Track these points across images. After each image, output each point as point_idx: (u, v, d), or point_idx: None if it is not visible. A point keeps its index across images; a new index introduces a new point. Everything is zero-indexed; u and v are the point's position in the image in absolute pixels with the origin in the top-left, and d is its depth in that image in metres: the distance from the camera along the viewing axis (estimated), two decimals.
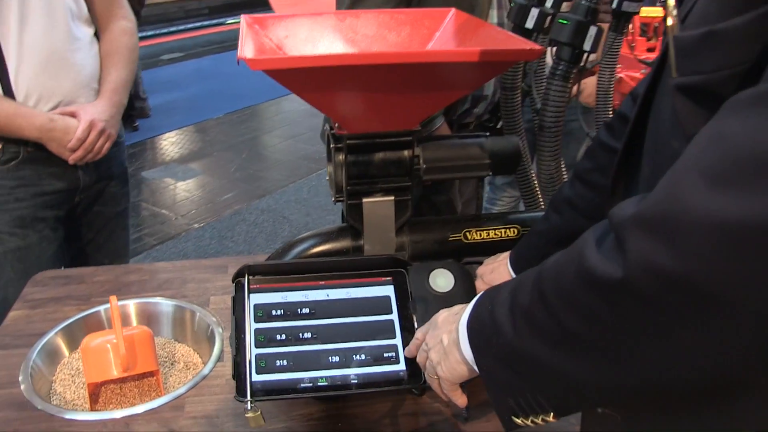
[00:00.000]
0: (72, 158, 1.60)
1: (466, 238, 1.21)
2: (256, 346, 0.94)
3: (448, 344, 0.79)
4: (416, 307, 0.99)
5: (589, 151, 0.98)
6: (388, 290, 1.00)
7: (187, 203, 3.99)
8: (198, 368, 1.30)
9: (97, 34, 1.73)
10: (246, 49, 0.92)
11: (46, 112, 1.58)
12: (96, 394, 1.22)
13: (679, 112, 0.59)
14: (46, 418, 1.10)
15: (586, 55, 1.07)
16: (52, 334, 1.29)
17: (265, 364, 0.93)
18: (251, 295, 0.98)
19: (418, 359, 0.89)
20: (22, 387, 1.17)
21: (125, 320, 1.36)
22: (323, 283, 1.00)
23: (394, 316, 0.98)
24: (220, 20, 10.07)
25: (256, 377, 0.92)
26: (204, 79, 7.04)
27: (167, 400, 1.13)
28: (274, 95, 6.37)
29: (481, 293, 0.76)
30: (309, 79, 0.93)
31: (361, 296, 1.00)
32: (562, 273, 0.60)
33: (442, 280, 1.02)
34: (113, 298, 1.17)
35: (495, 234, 1.22)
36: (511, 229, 1.23)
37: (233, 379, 0.91)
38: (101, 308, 1.35)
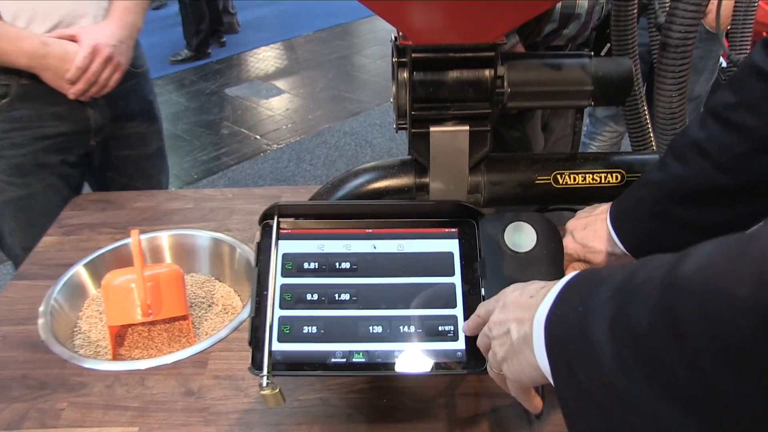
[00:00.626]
0: (72, 92, 1.32)
1: (557, 182, 0.97)
2: (281, 307, 0.75)
3: (517, 339, 0.58)
4: (486, 270, 0.77)
5: (733, 81, 0.72)
6: (452, 246, 0.79)
7: (269, 122, 3.85)
8: (237, 312, 1.14)
9: None
10: None
11: (40, 34, 1.30)
12: (121, 337, 1.08)
13: None
14: (59, 363, 0.97)
15: None
16: (77, 267, 1.15)
17: (289, 330, 0.74)
18: (280, 242, 0.79)
19: (478, 343, 0.69)
20: (39, 323, 1.04)
21: (157, 254, 1.21)
22: (369, 231, 0.80)
23: (457, 280, 0.77)
24: None
25: (277, 345, 0.74)
26: None
27: (191, 353, 0.97)
28: (367, 13, 6.07)
29: (568, 278, 0.54)
30: None
31: (417, 251, 0.79)
32: (717, 294, 0.36)
33: (521, 236, 0.79)
34: (134, 232, 1.01)
35: (593, 179, 0.98)
36: (614, 174, 0.98)
37: (249, 345, 0.74)
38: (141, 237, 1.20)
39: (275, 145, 3.57)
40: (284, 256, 0.78)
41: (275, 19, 5.96)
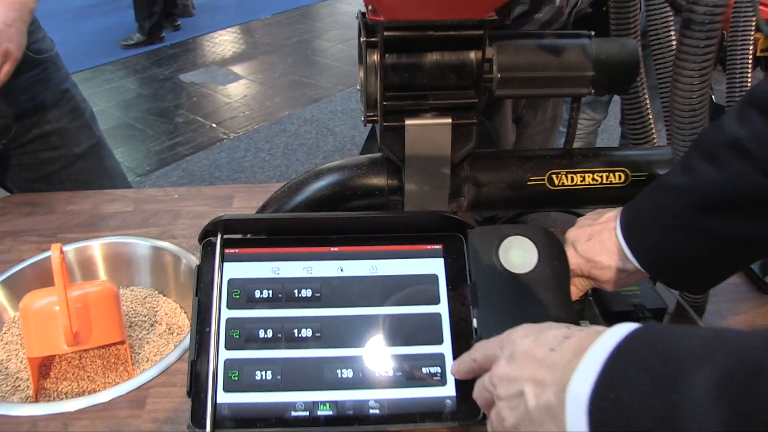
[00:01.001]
0: None
1: (552, 183, 0.84)
2: (228, 347, 0.61)
3: (535, 407, 0.44)
4: (478, 297, 0.64)
5: None
6: (436, 266, 0.65)
7: (225, 110, 3.66)
8: (184, 332, 0.99)
9: None
10: None
11: None
12: (47, 367, 0.92)
13: None
14: None
15: None
16: None
17: (238, 377, 0.60)
18: (225, 265, 0.64)
19: (475, 395, 0.55)
20: None
21: (89, 267, 1.05)
22: (336, 250, 0.65)
23: (443, 308, 0.64)
24: None
25: (223, 396, 0.59)
26: None
27: (125, 390, 0.82)
28: None
29: (620, 337, 0.39)
30: None
31: (393, 274, 0.65)
32: None
33: (519, 253, 0.66)
34: (55, 247, 0.85)
35: (593, 179, 0.85)
36: (617, 174, 0.85)
37: (188, 396, 0.59)
38: (67, 248, 1.04)
39: (232, 134, 3.39)
40: (231, 282, 0.63)
41: (232, 1, 5.74)
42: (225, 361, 0.60)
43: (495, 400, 0.50)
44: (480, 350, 0.54)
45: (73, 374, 0.93)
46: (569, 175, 0.85)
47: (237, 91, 3.95)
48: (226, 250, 0.64)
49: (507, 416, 0.48)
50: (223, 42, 4.78)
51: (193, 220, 1.13)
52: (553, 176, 0.84)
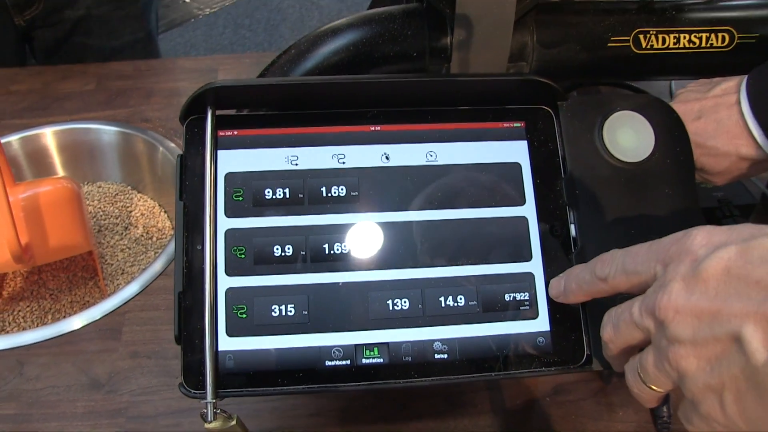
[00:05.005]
0: None
1: (638, 45, 0.65)
2: (230, 273, 0.43)
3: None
4: (577, 194, 0.45)
5: None
6: (518, 151, 0.46)
7: None
8: (165, 236, 0.81)
9: None
10: None
11: None
12: None
13: None
14: None
15: None
16: None
17: (247, 314, 0.42)
18: (220, 154, 0.45)
19: (609, 335, 0.38)
20: None
21: (42, 160, 0.85)
22: (377, 129, 0.46)
23: (529, 210, 0.45)
24: None
25: (227, 343, 0.42)
26: None
27: (95, 317, 0.64)
28: None
29: None
30: None
31: (459, 163, 0.46)
32: None
33: (631, 134, 0.47)
34: None
35: (691, 41, 0.65)
36: (720, 35, 0.66)
37: (176, 342, 0.41)
38: (12, 138, 0.84)
39: (207, 9, 3.07)
40: (229, 177, 0.44)
41: None
42: (227, 292, 0.42)
43: (657, 342, 0.33)
44: (613, 264, 0.37)
45: (31, 292, 0.76)
46: (660, 35, 0.65)
47: None
48: (220, 133, 0.45)
49: (694, 369, 0.30)
50: None
51: (170, 98, 0.92)
52: (641, 36, 0.64)
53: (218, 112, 0.44)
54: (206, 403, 0.40)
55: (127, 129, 0.85)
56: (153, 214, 0.84)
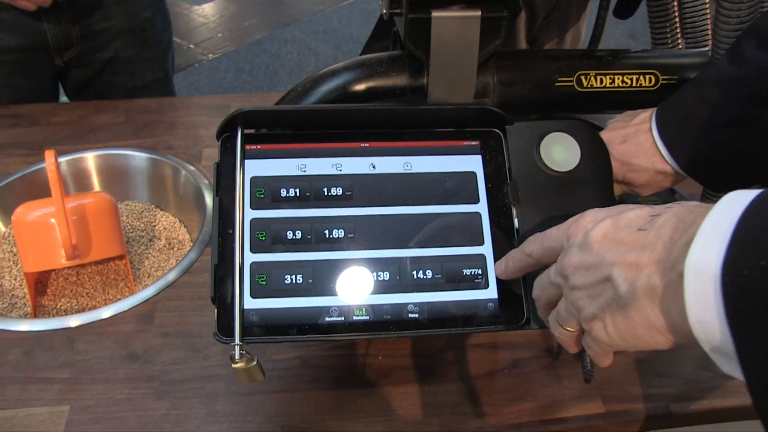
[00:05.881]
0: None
1: (580, 85, 0.79)
2: (253, 251, 0.56)
3: (631, 290, 0.40)
4: (519, 195, 0.59)
5: None
6: (474, 163, 0.61)
7: (203, 30, 3.52)
8: (184, 248, 0.94)
9: None
10: None
11: None
12: (43, 284, 0.88)
13: None
14: None
15: None
16: None
17: (266, 282, 0.55)
18: (247, 162, 0.59)
19: (536, 293, 0.51)
20: None
21: (83, 180, 0.99)
22: (367, 145, 0.60)
23: (482, 208, 0.59)
24: None
25: (251, 302, 0.55)
26: None
27: (132, 304, 0.77)
28: None
29: (738, 202, 0.35)
30: None
31: (429, 171, 0.60)
32: None
33: (561, 150, 0.61)
34: (50, 154, 0.79)
35: (623, 81, 0.80)
36: (647, 76, 0.81)
37: (212, 303, 0.55)
38: (59, 160, 0.98)
39: (211, 55, 3.26)
40: (254, 180, 0.58)
41: None
42: (251, 265, 0.55)
43: (565, 294, 0.46)
44: (536, 243, 0.50)
45: (71, 291, 0.88)
46: (598, 77, 0.80)
47: (213, 10, 3.79)
48: (247, 146, 0.59)
49: (586, 305, 0.44)
50: None
51: (190, 130, 1.07)
52: (582, 77, 0.79)
53: (246, 131, 0.59)
54: (234, 345, 0.53)
55: (154, 155, 0.99)
56: (174, 228, 0.98)
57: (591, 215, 0.46)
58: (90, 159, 0.98)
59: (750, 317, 0.32)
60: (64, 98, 1.35)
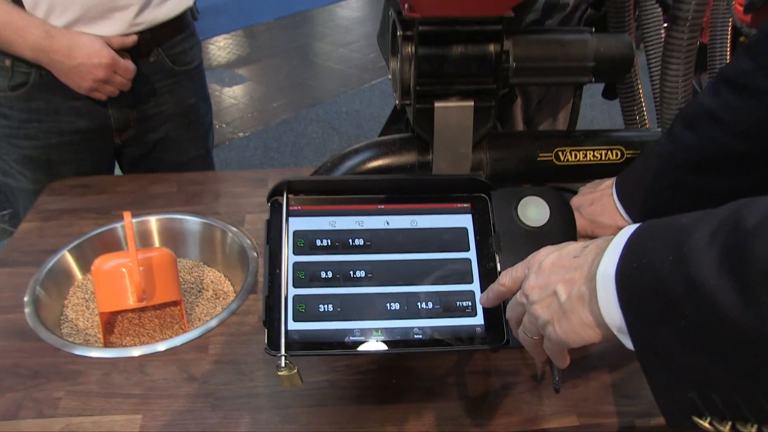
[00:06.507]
0: (83, 91, 1.25)
1: (558, 159, 0.97)
2: (295, 286, 0.73)
3: (568, 299, 0.57)
4: (501, 245, 0.77)
5: (750, 48, 0.72)
6: (466, 220, 0.78)
7: (233, 111, 3.79)
8: (229, 298, 1.11)
9: None
10: None
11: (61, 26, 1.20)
12: (111, 324, 1.04)
13: None
14: (51, 351, 0.93)
15: None
16: (62, 252, 1.11)
17: (305, 309, 0.72)
18: (290, 219, 0.76)
19: (508, 315, 0.68)
20: (26, 312, 1.00)
21: (146, 239, 1.17)
22: (382, 207, 0.78)
23: (472, 255, 0.76)
24: None
25: (293, 325, 0.72)
26: None
27: (189, 339, 0.94)
28: (326, 1, 6.03)
29: (631, 231, 0.52)
30: None
31: (431, 227, 0.78)
32: None
33: (534, 210, 0.79)
34: (127, 215, 0.98)
35: (594, 156, 0.98)
36: (614, 151, 0.98)
37: (263, 325, 0.72)
38: (119, 224, 1.17)
39: (241, 133, 3.51)
40: (295, 233, 0.76)
41: (234, 5, 5.86)
42: (293, 297, 0.73)
43: (527, 309, 0.63)
44: (507, 276, 0.67)
45: (134, 331, 1.05)
46: (573, 153, 0.98)
47: (243, 92, 4.07)
48: (291, 207, 0.77)
49: (541, 314, 0.60)
50: (228, 45, 4.91)
51: (233, 199, 1.25)
52: (560, 153, 0.97)
53: (289, 196, 0.77)
54: (281, 357, 0.69)
55: (204, 219, 1.18)
56: (220, 281, 1.15)
57: (544, 251, 0.63)
58: (153, 222, 1.17)
59: (631, 300, 0.49)
60: (117, 171, 1.55)
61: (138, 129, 1.40)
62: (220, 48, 4.85)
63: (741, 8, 2.09)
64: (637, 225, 0.52)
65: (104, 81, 1.23)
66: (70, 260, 1.11)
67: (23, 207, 1.40)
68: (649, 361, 0.49)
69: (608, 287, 0.51)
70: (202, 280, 1.15)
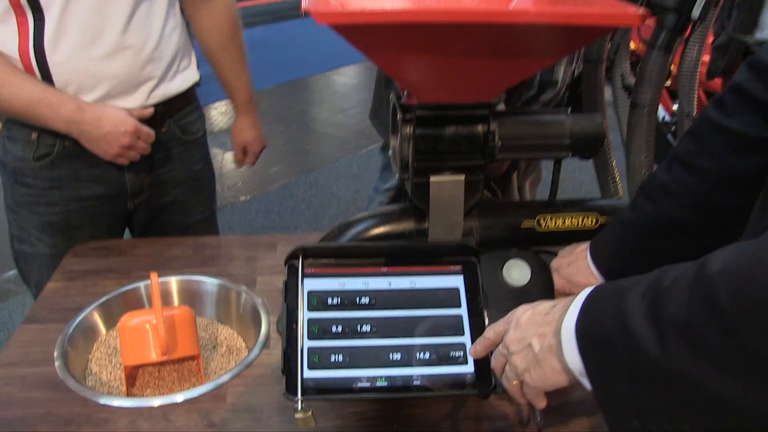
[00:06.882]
0: (109, 157, 1.36)
1: (540, 226, 1.09)
2: (309, 338, 0.84)
3: (540, 350, 0.67)
4: (488, 302, 0.87)
5: (692, 132, 0.85)
6: (458, 281, 0.89)
7: (234, 175, 3.93)
8: (242, 353, 1.21)
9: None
10: (311, 1, 0.81)
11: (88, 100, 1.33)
12: (133, 377, 1.14)
13: None
14: (81, 401, 1.02)
15: (691, 24, 0.94)
16: (89, 309, 1.21)
17: (318, 359, 0.83)
18: (305, 280, 0.87)
19: (493, 364, 0.78)
20: (56, 365, 1.09)
21: (166, 298, 1.27)
22: (385, 270, 0.89)
23: (463, 311, 0.87)
24: None
25: (308, 373, 0.82)
26: (255, 49, 6.83)
27: (208, 389, 1.04)
28: (324, 68, 6.27)
29: (587, 293, 0.64)
30: (379, 37, 0.82)
31: (427, 287, 0.89)
32: (747, 282, 0.48)
33: (517, 272, 0.90)
34: (154, 275, 1.09)
35: (571, 222, 1.10)
36: (590, 218, 1.10)
37: (282, 373, 0.82)
38: (141, 284, 1.27)
39: (242, 197, 3.64)
40: (309, 293, 0.87)
41: None
42: (308, 348, 0.83)
43: (508, 359, 0.73)
44: (491, 330, 0.78)
45: (154, 384, 1.15)
46: (553, 220, 1.09)
47: None
48: (305, 270, 0.88)
49: (519, 363, 0.71)
50: (229, 110, 5.08)
51: (246, 262, 1.36)
52: (541, 220, 1.09)
53: (304, 260, 0.88)
54: (298, 400, 0.79)
55: (219, 280, 1.28)
56: (233, 338, 1.25)
57: (521, 309, 0.74)
58: (173, 282, 1.28)
59: (588, 348, 0.60)
60: (127, 234, 1.66)
61: (150, 193, 1.52)
62: (221, 113, 5.02)
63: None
64: (592, 287, 0.64)
65: (129, 147, 1.35)
66: (97, 317, 1.21)
67: (38, 271, 1.48)
68: (603, 397, 0.60)
69: (570, 339, 0.62)
70: (217, 336, 1.25)
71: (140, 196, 1.51)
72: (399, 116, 0.99)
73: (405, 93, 0.97)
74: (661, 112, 2.47)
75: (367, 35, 0.82)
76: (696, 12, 0.92)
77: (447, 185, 1.02)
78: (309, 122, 5.03)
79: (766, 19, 1.80)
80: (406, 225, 1.06)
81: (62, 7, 1.25)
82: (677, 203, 0.85)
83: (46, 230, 1.44)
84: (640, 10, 0.83)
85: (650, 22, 1.04)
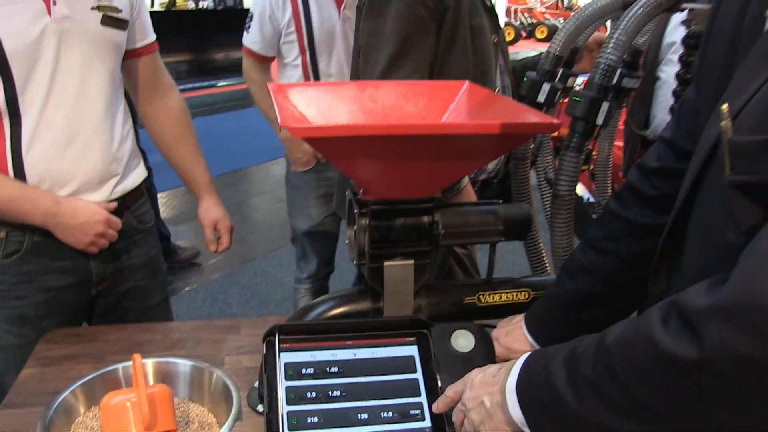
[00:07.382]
0: (82, 246, 1.46)
1: (480, 301, 1.25)
2: (288, 404, 0.97)
3: (491, 406, 0.82)
4: (439, 367, 1.02)
5: (600, 220, 1.04)
6: (412, 350, 1.04)
7: (178, 265, 4.00)
8: (213, 428, 1.31)
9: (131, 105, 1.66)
10: (283, 116, 0.98)
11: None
12: None
13: (735, 207, 0.62)
14: None
15: (597, 128, 1.15)
16: (68, 392, 1.29)
17: (297, 421, 0.95)
18: (281, 354, 1.01)
19: (453, 418, 0.93)
20: None
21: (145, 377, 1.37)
22: (350, 343, 1.04)
23: (419, 375, 1.02)
24: (212, 82, 10.21)
25: None
26: None
27: None
28: (262, 159, 6.45)
29: (525, 358, 0.80)
30: (340, 145, 0.99)
31: (387, 356, 1.03)
32: (630, 350, 0.65)
33: (463, 340, 1.06)
34: (137, 356, 1.19)
35: (507, 297, 1.27)
36: (522, 293, 1.27)
37: None
38: (119, 366, 1.37)
39: (188, 287, 3.71)
40: (286, 364, 1.00)
41: None
42: (287, 412, 0.96)
43: (466, 414, 0.88)
44: (451, 390, 0.93)
45: None
46: (491, 295, 1.26)
47: (188, 246, 4.30)
48: (282, 345, 1.01)
49: (475, 418, 0.86)
50: (170, 201, 5.18)
51: (213, 344, 1.48)
52: (481, 297, 1.26)
53: (280, 336, 1.01)
54: None
55: (190, 362, 1.39)
56: (204, 415, 1.34)
57: (475, 372, 0.90)
58: (149, 365, 1.38)
59: (526, 404, 0.76)
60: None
61: (112, 281, 1.62)
62: (163, 204, 5.11)
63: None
64: (529, 353, 0.80)
65: (101, 234, 1.47)
66: (76, 399, 1.30)
67: (5, 362, 1.54)
68: None
69: (512, 396, 0.78)
70: (188, 414, 1.35)
71: (103, 283, 1.61)
72: (356, 210, 1.16)
73: (361, 190, 1.14)
74: (586, 194, 2.75)
75: (329, 144, 0.99)
76: (600, 119, 1.13)
77: (399, 269, 1.18)
78: (250, 212, 5.16)
79: (656, 114, 2.08)
80: (364, 305, 1.21)
81: (39, 113, 1.39)
82: (592, 279, 1.03)
83: (15, 323, 1.51)
84: (557, 120, 1.03)
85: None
